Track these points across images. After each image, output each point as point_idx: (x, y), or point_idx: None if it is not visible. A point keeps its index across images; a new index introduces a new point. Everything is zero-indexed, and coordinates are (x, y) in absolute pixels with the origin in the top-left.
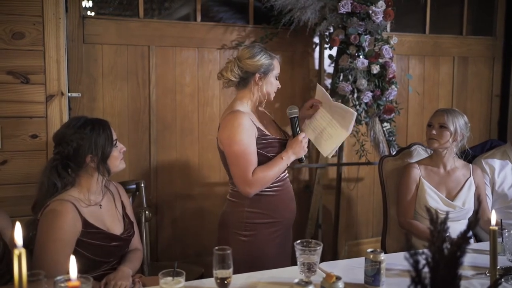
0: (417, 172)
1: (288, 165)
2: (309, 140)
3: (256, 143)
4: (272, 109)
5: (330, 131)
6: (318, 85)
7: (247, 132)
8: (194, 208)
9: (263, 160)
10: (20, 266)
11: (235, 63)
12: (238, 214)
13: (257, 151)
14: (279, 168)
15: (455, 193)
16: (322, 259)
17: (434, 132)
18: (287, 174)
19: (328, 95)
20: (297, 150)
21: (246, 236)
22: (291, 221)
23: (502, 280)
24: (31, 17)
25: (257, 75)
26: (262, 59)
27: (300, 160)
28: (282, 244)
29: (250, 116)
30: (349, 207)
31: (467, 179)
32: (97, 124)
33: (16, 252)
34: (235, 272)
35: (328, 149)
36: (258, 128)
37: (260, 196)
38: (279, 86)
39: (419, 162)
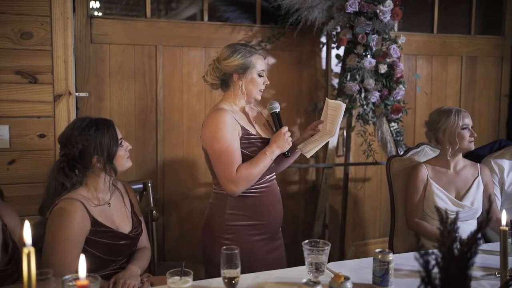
0: (425, 173)
1: (273, 160)
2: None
3: (240, 142)
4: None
5: (318, 138)
6: (327, 99)
7: (229, 130)
8: (201, 207)
9: (246, 160)
10: (29, 264)
11: (214, 65)
12: (220, 217)
13: (241, 150)
14: (263, 164)
15: (463, 192)
16: (329, 259)
17: (473, 133)
18: (274, 176)
19: (331, 103)
20: (281, 144)
21: (229, 239)
22: (278, 224)
23: None
24: (39, 17)
25: (235, 75)
26: (238, 59)
27: (285, 155)
28: (270, 248)
29: (234, 114)
30: (356, 207)
31: (475, 179)
32: (101, 125)
33: (25, 250)
34: None
35: (309, 148)
36: (242, 127)
37: (242, 197)
38: (267, 82)
39: (426, 162)
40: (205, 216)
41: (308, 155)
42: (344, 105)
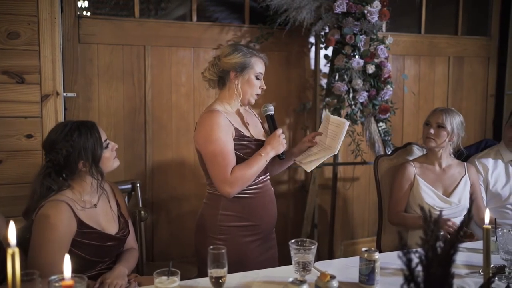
0: (412, 170)
1: (267, 161)
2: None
3: (233, 143)
4: None
5: (317, 152)
6: (328, 114)
7: (223, 131)
8: (190, 207)
9: (239, 161)
10: (13, 265)
11: (214, 61)
12: (213, 218)
13: (235, 151)
14: (258, 165)
15: (451, 190)
16: (318, 259)
17: (431, 131)
18: (268, 177)
19: (333, 119)
20: (276, 146)
21: (221, 240)
22: (271, 225)
23: (496, 278)
24: (26, 17)
25: (233, 73)
26: (237, 57)
27: (279, 157)
28: (263, 249)
29: (228, 115)
30: (345, 206)
31: (463, 177)
32: (84, 128)
33: (9, 251)
34: None
35: (309, 164)
36: (236, 129)
37: (234, 198)
38: (263, 87)
39: (414, 160)
40: (198, 216)
41: (308, 169)
42: (347, 123)
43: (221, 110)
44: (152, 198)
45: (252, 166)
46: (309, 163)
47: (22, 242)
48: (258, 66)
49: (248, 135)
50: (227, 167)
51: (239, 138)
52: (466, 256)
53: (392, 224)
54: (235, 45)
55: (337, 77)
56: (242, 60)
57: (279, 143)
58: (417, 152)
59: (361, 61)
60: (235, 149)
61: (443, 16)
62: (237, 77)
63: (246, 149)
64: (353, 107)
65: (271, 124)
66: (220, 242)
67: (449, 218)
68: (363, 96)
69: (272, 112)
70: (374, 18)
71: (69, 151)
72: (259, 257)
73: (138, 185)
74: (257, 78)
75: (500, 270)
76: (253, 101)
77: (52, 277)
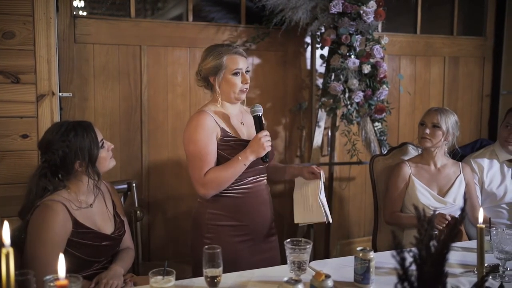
0: (407, 170)
1: (246, 165)
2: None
3: (218, 144)
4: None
5: (314, 205)
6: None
7: (206, 132)
8: (186, 207)
9: (223, 162)
10: (8, 265)
11: (198, 69)
12: (202, 216)
13: (219, 152)
14: (235, 169)
15: (446, 189)
16: (315, 259)
17: (427, 131)
18: (262, 178)
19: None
20: (256, 149)
21: (208, 238)
22: (264, 227)
23: (490, 277)
24: (21, 17)
25: (211, 77)
26: (210, 61)
27: (263, 160)
28: (257, 250)
29: (217, 116)
30: (341, 206)
31: (458, 176)
32: (80, 128)
33: (3, 251)
34: None
35: (301, 219)
36: (222, 129)
37: (222, 198)
38: (247, 81)
39: (410, 160)
40: (192, 215)
41: (296, 221)
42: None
43: (209, 111)
44: (148, 198)
45: (228, 169)
46: (301, 215)
47: (17, 242)
48: (233, 62)
49: (234, 135)
50: (202, 168)
51: (224, 138)
52: (461, 255)
53: (388, 224)
54: (209, 48)
55: (333, 77)
56: (214, 63)
57: (259, 146)
58: (413, 152)
59: (357, 61)
60: (220, 149)
61: (439, 16)
62: (215, 80)
63: (231, 149)
64: (349, 107)
65: (257, 125)
66: (208, 240)
67: (445, 213)
68: (359, 96)
69: (260, 113)
70: (370, 18)
71: (65, 152)
72: (250, 258)
73: (134, 185)
74: (236, 75)
75: (494, 269)
76: (241, 97)
77: (48, 277)
